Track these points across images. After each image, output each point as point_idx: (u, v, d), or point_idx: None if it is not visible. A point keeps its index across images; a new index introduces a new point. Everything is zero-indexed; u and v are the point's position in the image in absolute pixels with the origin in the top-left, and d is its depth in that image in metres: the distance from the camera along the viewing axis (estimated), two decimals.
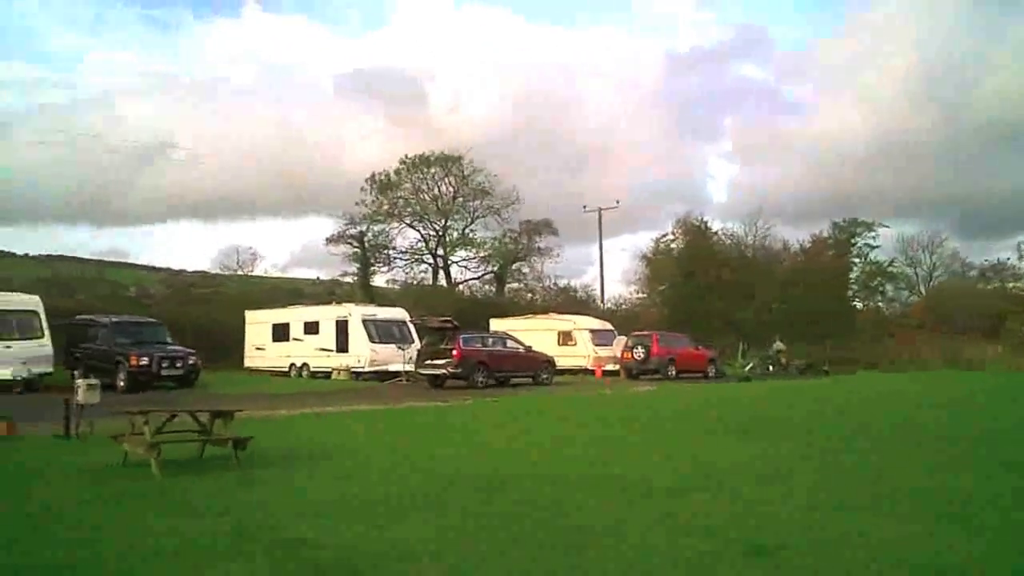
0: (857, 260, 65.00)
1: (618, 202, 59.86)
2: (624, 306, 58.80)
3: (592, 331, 39.19)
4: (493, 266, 62.98)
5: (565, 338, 38.80)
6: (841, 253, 63.23)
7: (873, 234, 65.07)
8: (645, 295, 61.27)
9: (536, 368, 31.37)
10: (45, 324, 26.80)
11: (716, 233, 61.08)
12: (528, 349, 32.01)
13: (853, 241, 64.81)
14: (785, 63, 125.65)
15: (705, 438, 13.61)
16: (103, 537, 6.81)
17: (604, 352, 37.78)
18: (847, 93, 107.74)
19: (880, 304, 65.16)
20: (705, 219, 61.94)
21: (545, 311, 45.72)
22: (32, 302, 27.76)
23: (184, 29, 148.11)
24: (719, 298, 52.92)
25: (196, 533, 6.94)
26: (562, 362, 34.88)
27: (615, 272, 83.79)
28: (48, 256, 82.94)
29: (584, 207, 60.07)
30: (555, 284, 61.47)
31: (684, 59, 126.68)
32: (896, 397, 23.55)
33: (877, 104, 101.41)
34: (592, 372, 36.76)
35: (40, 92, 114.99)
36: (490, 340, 32.21)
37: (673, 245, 60.79)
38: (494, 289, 61.94)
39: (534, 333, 36.43)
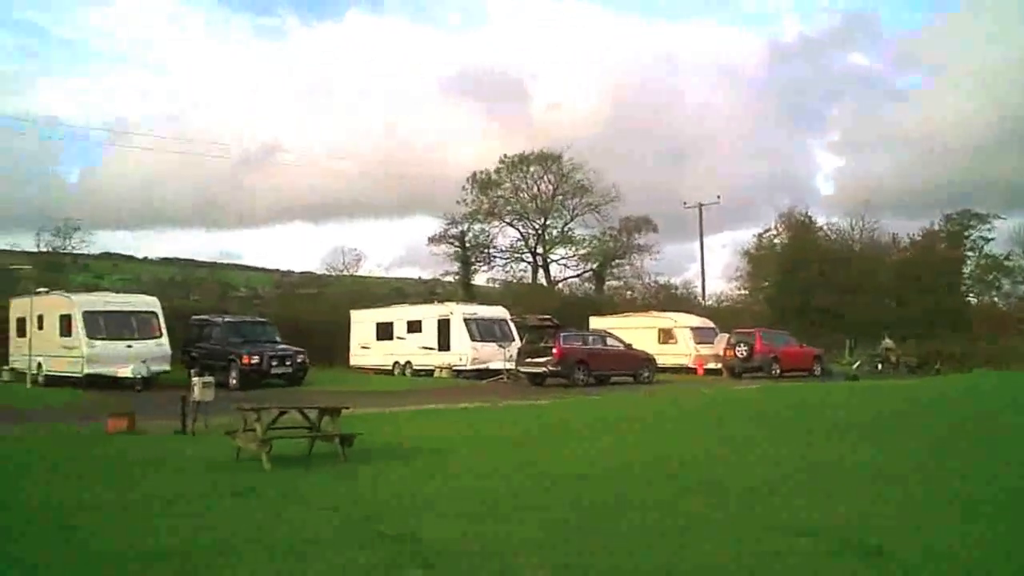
0: (971, 254, 62.32)
1: (719, 197, 58.95)
2: (726, 303, 57.82)
3: (693, 329, 38.68)
4: (592, 264, 62.75)
5: (666, 336, 38.40)
6: (954, 246, 60.71)
7: (988, 226, 62.16)
8: (747, 292, 60.17)
9: (637, 366, 31.17)
10: (163, 324, 27.94)
11: (821, 227, 59.56)
12: (628, 347, 31.83)
13: (966, 234, 62.12)
14: (895, 49, 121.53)
15: (814, 437, 13.27)
16: (217, 526, 7.08)
17: (706, 350, 37.26)
18: (962, 78, 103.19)
19: (995, 299, 62.38)
20: (809, 213, 60.44)
21: (645, 309, 45.34)
22: (151, 303, 29.06)
23: (291, 35, 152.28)
24: (825, 294, 51.53)
25: (304, 526, 7.14)
26: (663, 360, 34.52)
27: (716, 269, 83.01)
28: (165, 259, 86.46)
29: (684, 203, 59.41)
30: (655, 281, 60.87)
31: (789, 48, 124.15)
32: (1016, 397, 22.53)
33: (994, 89, 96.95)
34: (694, 370, 36.39)
35: (155, 100, 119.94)
36: (590, 338, 32.16)
37: (776, 240, 59.57)
38: (593, 287, 61.71)
39: (634, 331, 36.15)
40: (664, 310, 43.45)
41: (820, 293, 51.65)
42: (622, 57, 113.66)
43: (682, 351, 37.58)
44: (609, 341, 31.82)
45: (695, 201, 59.05)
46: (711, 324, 40.25)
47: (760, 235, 61.27)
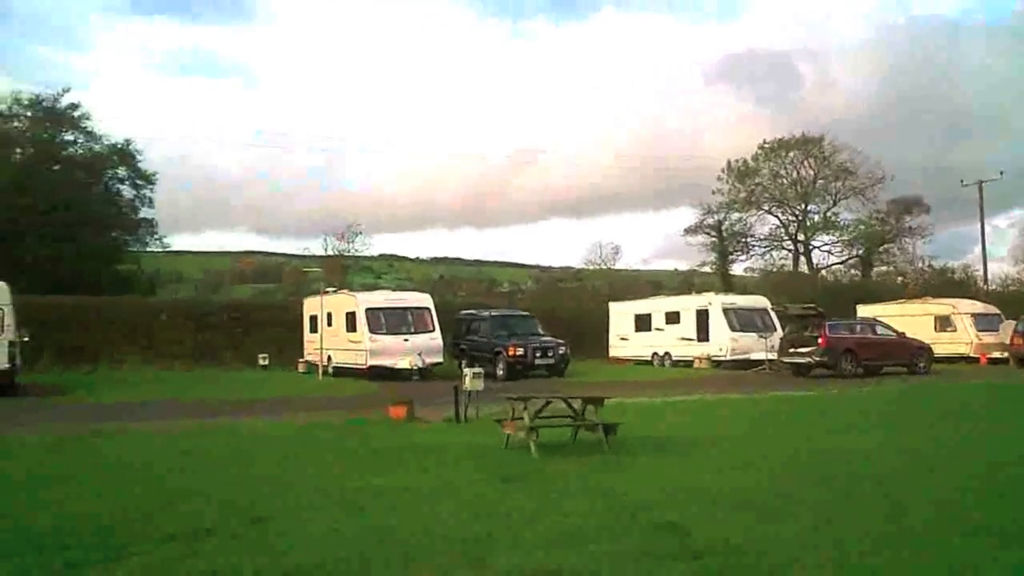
0: None
1: (1002, 173, 54.05)
2: (1012, 287, 53.13)
3: (974, 315, 35.95)
4: (858, 249, 59.82)
5: (943, 323, 35.97)
6: None
7: None
8: None
9: (910, 356, 29.45)
10: (435, 319, 29.71)
11: None
12: (901, 336, 30.14)
13: None
14: None
15: None
16: (490, 512, 7.47)
17: (989, 338, 34.53)
18: None
19: None
20: None
21: (919, 295, 42.71)
22: (424, 299, 31.12)
23: (544, 36, 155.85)
24: None
25: (571, 513, 7.39)
26: (940, 349, 32.41)
27: (1001, 250, 75.41)
28: (435, 258, 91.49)
29: (962, 181, 55.05)
30: (929, 266, 57.14)
31: None
32: None
33: None
34: (975, 360, 33.91)
35: (420, 110, 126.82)
36: (858, 327, 30.78)
37: None
38: (859, 273, 58.82)
39: (907, 318, 34.16)
40: (941, 296, 40.72)
41: None
42: (892, 27, 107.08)
43: (962, 339, 35.09)
44: (879, 329, 30.28)
45: (975, 178, 54.39)
46: (995, 310, 37.22)
47: None
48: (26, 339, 24.34)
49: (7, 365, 22.31)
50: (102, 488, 8.82)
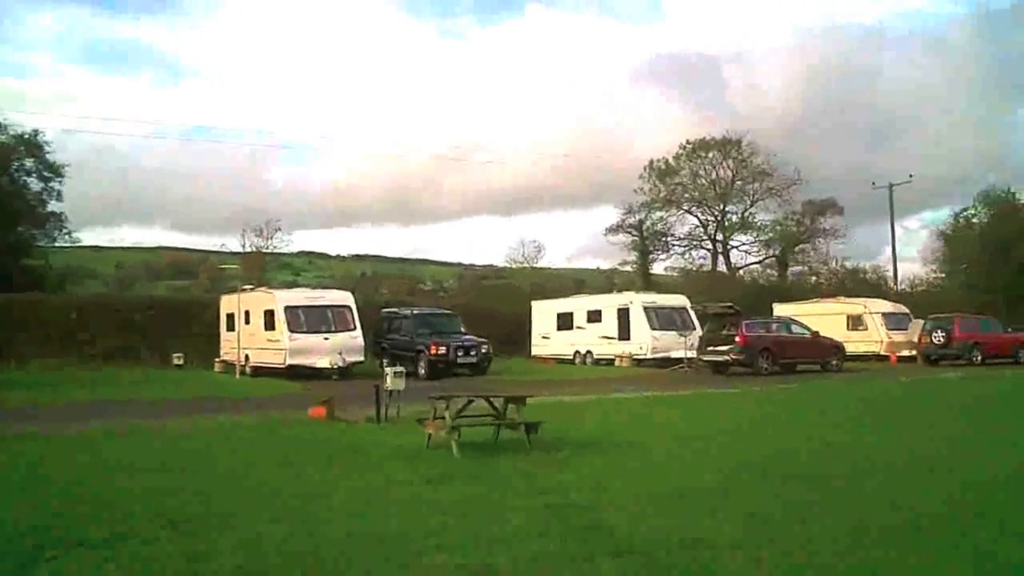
0: None
1: (911, 176, 55.73)
2: (920, 287, 54.95)
3: (885, 315, 37.09)
4: (774, 249, 61.19)
5: (855, 322, 37.02)
6: None
7: None
8: (944, 275, 56.95)
9: (824, 354, 30.23)
10: (356, 317, 29.39)
11: None
12: (815, 334, 30.88)
13: None
14: None
15: None
16: (417, 513, 7.40)
17: (899, 337, 35.67)
18: None
19: None
20: (1014, 190, 56.43)
21: (832, 294, 43.84)
22: (345, 297, 30.78)
23: (470, 35, 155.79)
24: None
25: (494, 513, 7.35)
26: (852, 348, 33.32)
27: (911, 252, 77.88)
28: (356, 255, 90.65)
29: (873, 183, 56.65)
30: (842, 266, 58.76)
31: (997, 16, 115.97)
32: None
33: None
34: (886, 358, 34.94)
35: (344, 106, 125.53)
36: (774, 325, 31.46)
37: (975, 220, 56.09)
38: (776, 273, 60.16)
39: (821, 317, 35.01)
40: (853, 296, 41.86)
41: None
42: (813, 32, 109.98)
43: (873, 338, 36.16)
44: (794, 328, 31.00)
45: (887, 181, 55.95)
46: (905, 310, 38.47)
47: (957, 215, 57.96)
48: None
49: None
50: (13, 493, 8.47)
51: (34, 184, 44.00)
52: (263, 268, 51.23)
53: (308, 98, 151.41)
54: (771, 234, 61.11)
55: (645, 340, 32.97)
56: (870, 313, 37.12)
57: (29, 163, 43.61)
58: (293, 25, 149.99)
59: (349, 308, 29.65)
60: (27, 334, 31.81)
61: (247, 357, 29.65)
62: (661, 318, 33.59)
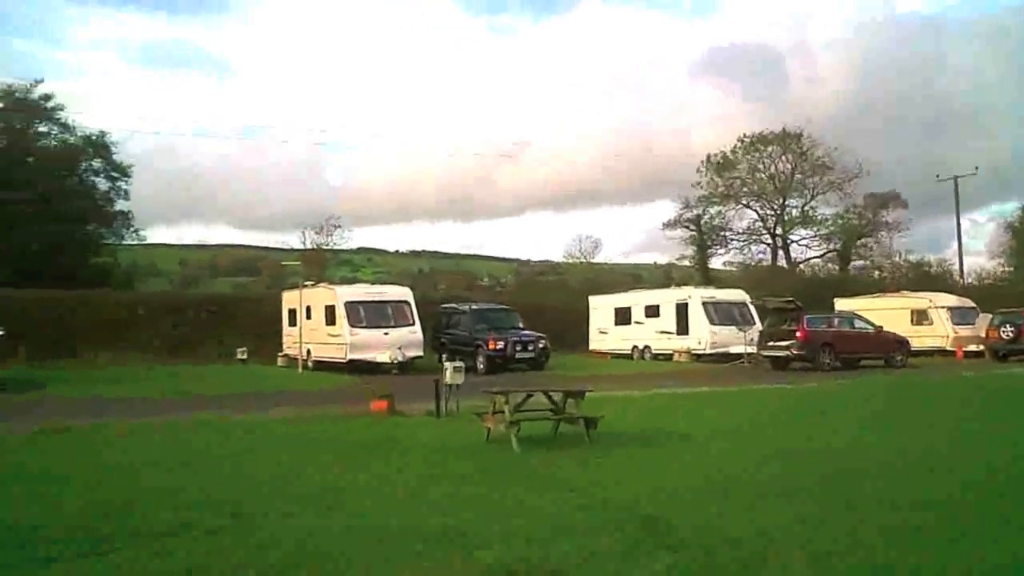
0: None
1: (976, 169, 54.39)
2: (987, 281, 53.61)
3: (951, 309, 36.19)
4: (836, 244, 60.19)
5: (920, 317, 36.19)
6: None
7: None
8: (1012, 269, 55.49)
9: (888, 349, 29.65)
10: (415, 312, 29.61)
11: None
12: (878, 329, 30.33)
13: None
14: None
15: None
16: (473, 505, 7.51)
17: (965, 331, 34.80)
18: None
19: None
20: None
21: (896, 289, 42.99)
22: (404, 293, 30.99)
23: (523, 31, 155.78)
24: None
25: (552, 507, 7.42)
26: (917, 343, 32.62)
27: (978, 245, 76.00)
28: (414, 252, 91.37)
29: (937, 176, 55.41)
30: (906, 260, 57.57)
31: None
32: None
33: None
34: (952, 353, 34.16)
35: (401, 105, 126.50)
36: (836, 320, 30.94)
37: None
38: (837, 267, 59.21)
39: (884, 312, 34.30)
40: (917, 290, 41.02)
41: None
42: (874, 23, 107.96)
43: (938, 333, 35.32)
44: (857, 323, 30.47)
45: (953, 173, 54.64)
46: (971, 304, 37.52)
47: None
48: (1, 333, 24.05)
49: None
50: (80, 484, 8.75)
51: (101, 184, 45.17)
52: (323, 265, 51.88)
53: (364, 96, 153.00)
54: (832, 228, 60.11)
55: (704, 335, 32.70)
56: (935, 307, 36.29)
57: (97, 163, 44.77)
58: (350, 24, 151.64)
59: (408, 303, 29.88)
60: (96, 330, 32.63)
61: (309, 352, 30.07)
62: (720, 313, 33.29)
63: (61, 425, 13.47)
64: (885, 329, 30.58)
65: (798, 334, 28.25)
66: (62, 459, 10.51)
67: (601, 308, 38.50)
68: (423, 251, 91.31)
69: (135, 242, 48.44)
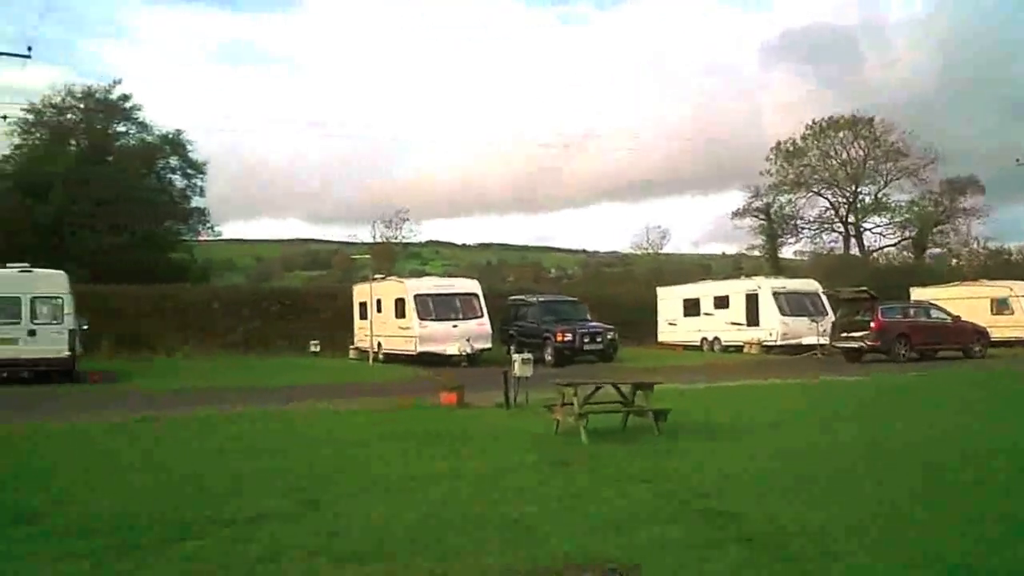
0: None
1: None
2: None
3: None
4: (911, 231, 58.77)
5: (999, 306, 35.16)
6: None
7: None
8: None
9: (966, 340, 28.93)
10: (483, 305, 29.81)
11: None
12: (956, 319, 29.59)
13: None
14: None
15: None
16: (542, 497, 7.56)
17: None
18: None
19: None
20: None
21: (975, 277, 41.86)
22: (472, 286, 31.25)
23: (591, 20, 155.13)
24: None
25: (622, 499, 7.44)
26: (997, 333, 31.72)
27: None
28: (481, 244, 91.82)
29: (1017, 160, 53.66)
30: (984, 247, 56.01)
31: None
32: None
33: None
34: None
35: (475, 93, 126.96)
36: (912, 310, 30.27)
37: None
38: (912, 255, 57.83)
39: (962, 301, 33.43)
40: (998, 278, 39.87)
41: None
42: (943, 1, 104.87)
43: (1020, 322, 34.30)
44: (934, 313, 29.77)
45: None
46: None
47: None
48: (84, 327, 24.87)
49: (67, 352, 22.81)
50: (161, 473, 9.03)
51: (178, 181, 46.46)
52: (392, 258, 52.42)
53: (433, 90, 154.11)
54: (907, 215, 58.75)
55: (775, 326, 32.27)
56: (1017, 296, 35.26)
57: (174, 161, 46.00)
58: (418, 17, 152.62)
59: (476, 296, 30.10)
60: (173, 324, 33.57)
61: (379, 344, 30.50)
62: (791, 303, 32.80)
63: (143, 416, 13.91)
64: (963, 319, 29.83)
65: (873, 325, 27.69)
66: (146, 448, 10.85)
67: (669, 299, 38.25)
68: (491, 243, 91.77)
69: (210, 238, 49.69)
